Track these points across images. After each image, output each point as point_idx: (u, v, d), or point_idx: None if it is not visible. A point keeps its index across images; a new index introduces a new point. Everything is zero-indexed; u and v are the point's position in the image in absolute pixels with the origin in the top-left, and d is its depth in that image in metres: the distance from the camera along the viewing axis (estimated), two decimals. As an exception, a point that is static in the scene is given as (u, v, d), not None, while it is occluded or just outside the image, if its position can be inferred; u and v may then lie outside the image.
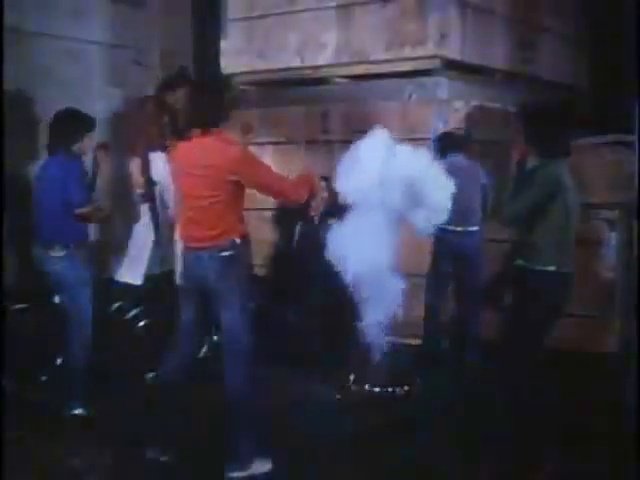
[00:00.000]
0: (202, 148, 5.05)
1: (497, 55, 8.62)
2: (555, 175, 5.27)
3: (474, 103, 8.32)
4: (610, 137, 8.21)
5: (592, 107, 9.74)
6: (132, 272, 7.44)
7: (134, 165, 7.45)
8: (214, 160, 4.97)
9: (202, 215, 5.03)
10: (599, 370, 7.01)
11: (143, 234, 7.53)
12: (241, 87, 9.00)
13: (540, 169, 5.32)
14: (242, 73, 8.88)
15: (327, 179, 7.94)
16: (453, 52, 8.02)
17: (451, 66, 8.02)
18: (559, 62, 9.63)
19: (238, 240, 5.05)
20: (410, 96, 8.03)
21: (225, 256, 4.99)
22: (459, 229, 7.30)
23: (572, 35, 9.93)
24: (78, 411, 5.97)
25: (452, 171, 6.54)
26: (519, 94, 8.97)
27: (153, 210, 7.52)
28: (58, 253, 5.94)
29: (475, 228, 7.45)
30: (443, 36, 7.87)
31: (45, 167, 6.12)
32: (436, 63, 7.89)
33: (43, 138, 6.36)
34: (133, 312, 7.03)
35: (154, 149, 7.46)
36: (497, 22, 8.62)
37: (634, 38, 8.41)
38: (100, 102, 8.18)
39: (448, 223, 6.97)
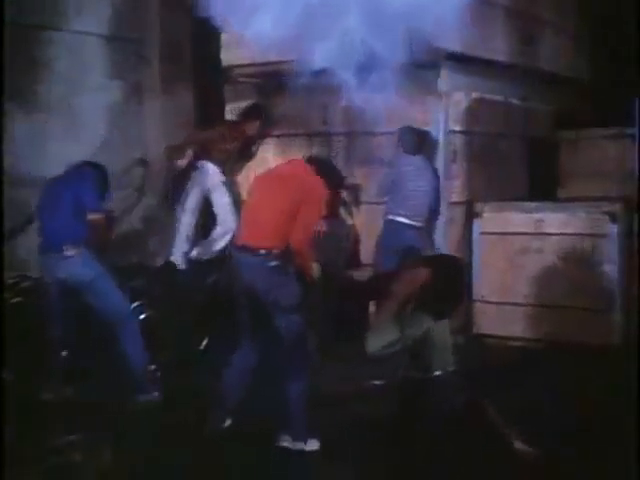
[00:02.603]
0: None
1: (498, 47, 8.59)
2: None
3: (474, 95, 8.31)
4: (611, 130, 8.22)
5: (592, 100, 9.72)
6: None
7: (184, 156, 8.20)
8: None
9: None
10: (600, 362, 7.02)
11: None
12: (241, 79, 8.96)
13: None
14: (242, 65, 8.84)
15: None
16: (454, 44, 7.98)
17: (452, 58, 7.98)
18: (559, 55, 9.60)
19: None
20: (411, 88, 7.99)
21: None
22: (406, 222, 7.53)
23: (573, 28, 9.90)
24: (144, 397, 6.15)
25: (411, 169, 7.49)
26: (520, 86, 8.96)
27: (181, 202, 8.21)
28: (70, 252, 6.00)
29: (420, 224, 7.61)
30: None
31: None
32: (437, 55, 7.86)
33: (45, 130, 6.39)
34: (134, 305, 7.03)
35: (212, 160, 8.18)
36: (498, 14, 8.59)
37: (634, 32, 8.42)
38: (100, 95, 8.17)
39: (399, 215, 7.42)
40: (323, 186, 5.56)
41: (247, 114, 8.54)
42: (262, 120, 8.53)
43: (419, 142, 7.78)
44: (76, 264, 6.04)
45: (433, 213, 7.84)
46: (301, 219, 5.37)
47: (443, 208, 7.97)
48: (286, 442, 5.37)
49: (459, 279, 5.40)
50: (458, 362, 5.57)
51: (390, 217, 7.59)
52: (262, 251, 5.34)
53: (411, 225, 7.54)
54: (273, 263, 5.34)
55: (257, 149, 8.68)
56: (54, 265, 6.13)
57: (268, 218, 5.38)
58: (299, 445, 5.35)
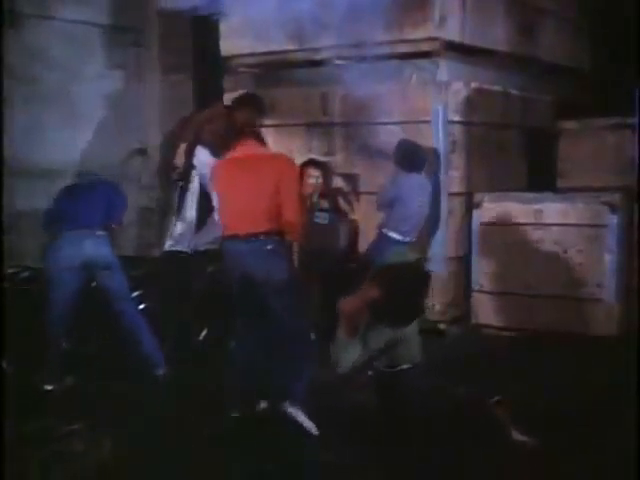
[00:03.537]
0: None
1: (497, 37, 8.58)
2: None
3: (474, 85, 8.30)
4: (611, 120, 8.21)
5: (592, 90, 9.72)
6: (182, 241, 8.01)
7: (181, 148, 8.01)
8: None
9: None
10: (599, 353, 7.03)
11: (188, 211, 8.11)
12: (240, 69, 8.95)
13: None
14: (241, 55, 8.84)
15: (321, 164, 7.99)
16: (453, 34, 7.97)
17: (451, 48, 7.98)
18: (559, 44, 9.59)
19: None
20: (410, 78, 8.00)
21: None
22: (399, 238, 7.49)
23: (573, 18, 9.89)
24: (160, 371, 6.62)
25: (412, 189, 7.40)
26: (519, 76, 8.95)
27: (183, 189, 8.07)
28: (101, 233, 6.56)
29: (412, 239, 7.59)
30: (443, 18, 7.83)
31: None
32: (436, 45, 7.86)
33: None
34: (133, 295, 7.03)
35: (205, 145, 7.95)
36: (497, 4, 8.58)
37: (634, 21, 8.41)
38: (99, 84, 8.17)
39: (394, 231, 7.40)
40: (289, 160, 5.87)
41: (239, 102, 8.46)
42: (254, 109, 8.43)
43: (418, 159, 7.60)
44: (104, 244, 6.58)
45: (431, 229, 7.89)
46: (285, 196, 5.56)
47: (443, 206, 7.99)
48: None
49: (414, 291, 5.27)
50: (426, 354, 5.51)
51: (384, 231, 7.53)
52: (257, 237, 5.52)
53: (403, 242, 7.52)
54: (269, 247, 5.52)
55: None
56: (82, 241, 6.48)
57: (254, 203, 5.55)
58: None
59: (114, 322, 6.59)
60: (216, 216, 7.87)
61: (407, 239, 7.50)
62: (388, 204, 7.55)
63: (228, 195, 5.73)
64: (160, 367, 6.59)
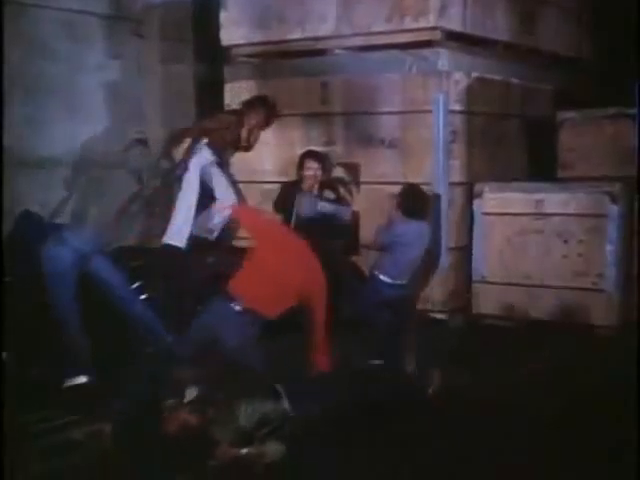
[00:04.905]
0: None
1: (498, 27, 8.56)
2: None
3: (475, 75, 8.28)
4: (611, 110, 8.20)
5: (593, 80, 9.71)
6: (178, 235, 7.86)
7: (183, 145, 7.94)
8: None
9: None
10: (600, 343, 7.04)
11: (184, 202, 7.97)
12: (240, 59, 8.94)
13: None
14: (242, 44, 8.82)
15: (320, 156, 7.96)
16: (454, 23, 7.96)
17: (452, 38, 7.96)
18: (560, 34, 9.57)
19: None
20: (410, 68, 7.98)
21: None
22: (391, 282, 7.33)
23: (574, 7, 9.88)
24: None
25: (407, 238, 7.20)
26: (520, 66, 8.93)
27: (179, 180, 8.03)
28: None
29: (405, 282, 7.43)
30: (444, 7, 7.81)
31: None
32: (437, 35, 7.84)
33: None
34: (133, 286, 7.03)
35: (209, 144, 7.92)
36: (499, -7, 8.57)
37: (635, 11, 8.40)
38: (99, 74, 8.16)
39: (386, 274, 7.23)
40: None
41: (250, 105, 8.40)
42: (264, 112, 8.37)
43: (421, 206, 7.37)
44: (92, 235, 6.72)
45: (431, 269, 7.87)
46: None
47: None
48: None
49: None
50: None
51: (376, 272, 7.44)
52: None
53: (395, 285, 7.44)
54: None
55: (255, 140, 8.48)
56: (75, 232, 6.56)
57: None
58: None
59: (115, 309, 6.58)
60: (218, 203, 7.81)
61: (398, 282, 7.35)
62: (382, 248, 7.42)
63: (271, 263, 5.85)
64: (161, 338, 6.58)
